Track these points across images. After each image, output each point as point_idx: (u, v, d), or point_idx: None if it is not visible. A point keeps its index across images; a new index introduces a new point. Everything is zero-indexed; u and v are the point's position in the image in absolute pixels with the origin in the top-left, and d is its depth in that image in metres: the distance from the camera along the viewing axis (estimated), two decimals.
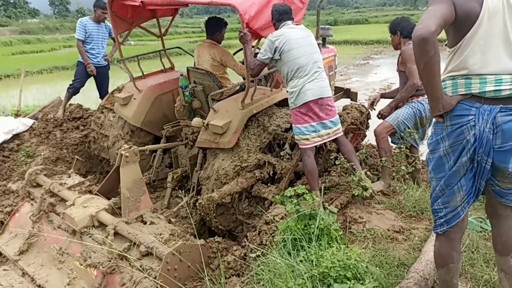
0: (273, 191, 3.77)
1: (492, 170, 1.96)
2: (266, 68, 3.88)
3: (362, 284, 2.23)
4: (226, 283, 2.69)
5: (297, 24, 3.77)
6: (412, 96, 4.05)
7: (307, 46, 3.57)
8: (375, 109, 4.57)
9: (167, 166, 4.89)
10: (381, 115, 4.29)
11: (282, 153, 3.92)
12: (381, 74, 14.79)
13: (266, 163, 3.92)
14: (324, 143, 4.01)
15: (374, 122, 4.57)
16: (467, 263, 2.72)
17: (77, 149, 5.42)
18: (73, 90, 6.09)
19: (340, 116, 4.38)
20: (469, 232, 3.01)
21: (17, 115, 6.22)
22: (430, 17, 1.79)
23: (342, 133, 3.82)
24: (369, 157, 4.79)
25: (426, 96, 3.94)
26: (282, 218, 3.02)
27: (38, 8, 69.87)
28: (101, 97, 6.29)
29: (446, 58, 2.01)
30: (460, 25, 1.88)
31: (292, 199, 2.99)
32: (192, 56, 4.84)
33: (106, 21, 6.08)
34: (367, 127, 5.06)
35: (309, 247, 2.60)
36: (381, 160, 4.03)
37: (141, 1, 4.00)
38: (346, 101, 5.60)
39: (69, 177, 3.86)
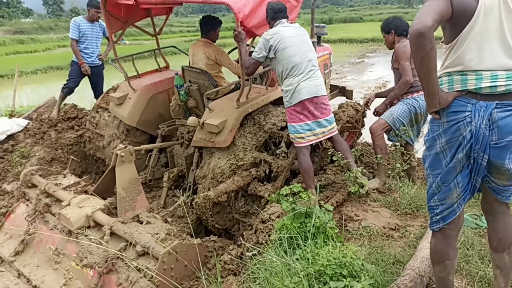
0: (269, 189, 3.77)
1: (488, 167, 1.97)
2: (261, 66, 3.88)
3: (358, 281, 2.23)
4: (223, 282, 2.70)
5: (291, 23, 3.77)
6: (406, 92, 4.06)
7: (302, 45, 3.57)
8: (369, 109, 4.59)
9: (163, 165, 4.88)
10: (376, 113, 4.31)
11: (278, 152, 3.92)
12: (376, 72, 14.83)
13: (262, 162, 3.92)
14: (320, 142, 4.01)
15: (370, 120, 4.58)
16: (462, 259, 2.74)
17: (72, 149, 5.39)
18: (68, 90, 6.06)
19: (335, 114, 4.39)
20: (464, 229, 3.03)
21: (11, 115, 6.18)
22: (427, 12, 1.79)
23: (337, 132, 3.83)
24: (364, 155, 4.79)
25: (420, 93, 4.01)
26: (278, 217, 3.02)
27: (31, 8, 69.48)
28: (96, 96, 6.26)
29: (443, 55, 2.02)
30: (456, 21, 1.88)
31: (288, 198, 2.99)
32: (187, 55, 4.83)
33: (100, 20, 6.05)
34: (363, 125, 5.08)
35: (305, 245, 2.61)
36: (376, 158, 4.05)
37: (135, 0, 3.98)
38: (342, 99, 5.62)
39: (65, 177, 3.84)
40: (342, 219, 3.30)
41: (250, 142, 3.88)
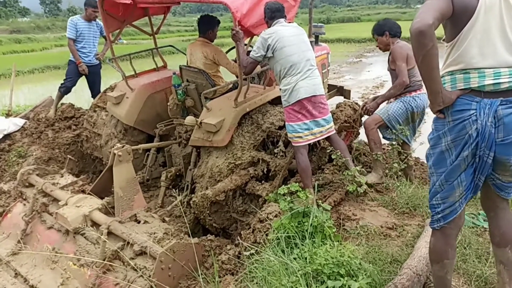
0: (267, 189, 3.77)
1: (493, 164, 1.98)
2: (259, 66, 3.88)
3: (355, 280, 2.23)
4: (220, 281, 2.70)
5: (289, 22, 3.77)
6: (404, 92, 4.07)
7: (300, 44, 3.58)
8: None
9: (160, 165, 4.87)
10: (366, 110, 4.28)
11: (276, 151, 3.92)
12: (374, 72, 14.84)
13: (260, 161, 3.92)
14: (318, 141, 4.02)
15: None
16: (459, 258, 2.75)
17: (69, 149, 5.38)
18: (65, 89, 6.04)
19: (333, 113, 4.39)
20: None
21: (8, 115, 6.17)
22: (427, 11, 1.79)
23: (334, 131, 3.84)
24: (362, 155, 4.80)
25: (418, 92, 4.02)
26: (276, 216, 3.02)
27: (28, 7, 69.13)
28: (93, 96, 6.24)
29: (444, 53, 2.02)
30: (457, 19, 1.88)
31: (286, 197, 2.99)
32: (185, 54, 4.82)
33: (97, 20, 6.04)
34: (361, 125, 5.08)
35: (302, 245, 2.61)
36: (373, 154, 4.05)
37: None
38: (340, 99, 5.62)
39: (62, 176, 3.83)
40: (340, 219, 3.31)
41: (248, 141, 3.88)
